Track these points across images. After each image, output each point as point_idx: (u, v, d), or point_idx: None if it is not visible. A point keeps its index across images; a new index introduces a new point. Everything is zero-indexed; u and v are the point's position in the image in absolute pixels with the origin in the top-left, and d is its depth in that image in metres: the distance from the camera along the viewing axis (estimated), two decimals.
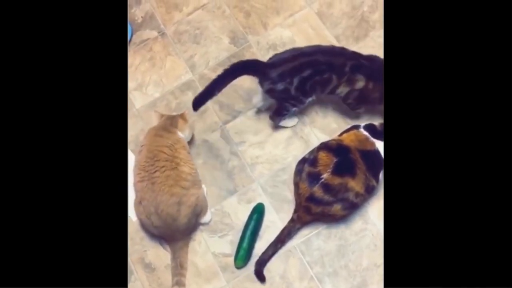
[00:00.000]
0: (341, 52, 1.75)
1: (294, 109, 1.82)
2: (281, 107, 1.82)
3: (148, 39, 2.19)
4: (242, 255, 1.75)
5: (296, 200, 1.74)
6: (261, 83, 1.77)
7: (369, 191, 1.67)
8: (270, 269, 1.74)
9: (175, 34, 2.18)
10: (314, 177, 1.62)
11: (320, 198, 1.62)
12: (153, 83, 2.10)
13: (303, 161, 1.71)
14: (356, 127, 1.72)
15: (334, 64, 1.71)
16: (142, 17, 2.23)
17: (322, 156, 1.64)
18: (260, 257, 1.72)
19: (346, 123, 1.90)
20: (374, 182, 1.66)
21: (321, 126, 1.92)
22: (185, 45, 2.15)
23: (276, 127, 1.93)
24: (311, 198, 1.63)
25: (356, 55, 1.75)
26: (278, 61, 1.72)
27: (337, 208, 1.64)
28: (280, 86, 1.72)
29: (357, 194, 1.63)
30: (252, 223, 1.78)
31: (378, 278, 1.67)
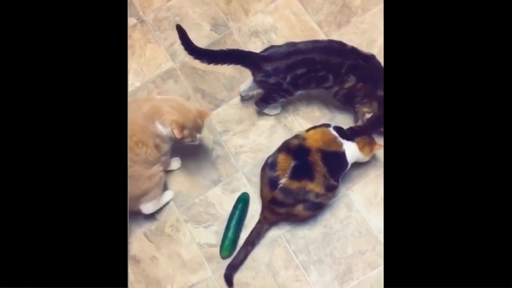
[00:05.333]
0: (340, 50, 1.70)
1: (281, 99, 1.81)
2: (269, 96, 1.81)
3: None
4: (228, 245, 1.75)
5: (261, 201, 1.75)
6: (253, 73, 1.75)
7: (330, 190, 1.66)
8: (255, 258, 1.75)
9: (155, 21, 2.13)
10: (273, 182, 1.62)
11: (281, 201, 1.63)
12: (133, 72, 2.06)
13: (265, 164, 1.71)
14: (326, 125, 1.70)
15: (331, 63, 1.68)
16: None
17: (281, 159, 1.63)
18: (231, 262, 1.72)
19: (330, 111, 1.90)
20: (334, 182, 1.65)
21: (304, 114, 1.91)
22: (165, 33, 2.11)
23: (259, 114, 1.92)
24: (273, 201, 1.64)
25: (354, 53, 1.71)
26: (274, 55, 1.69)
27: (299, 208, 1.65)
28: (272, 80, 1.71)
29: (317, 195, 1.62)
30: (237, 212, 1.78)
31: (363, 265, 1.69)
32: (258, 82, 1.76)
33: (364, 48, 1.76)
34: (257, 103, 1.89)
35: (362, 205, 1.77)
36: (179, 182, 1.88)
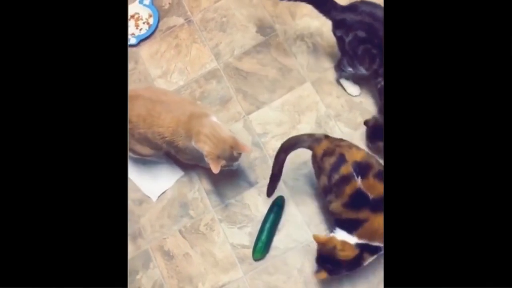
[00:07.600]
0: None
1: (349, 69, 1.78)
2: (341, 58, 1.80)
3: (174, 26, 2.18)
4: (261, 248, 1.74)
5: None
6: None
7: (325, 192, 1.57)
8: (288, 262, 1.74)
9: (202, 22, 2.16)
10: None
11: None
12: (178, 71, 2.10)
13: None
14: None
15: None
16: (169, 3, 2.22)
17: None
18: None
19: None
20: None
21: (346, 120, 1.88)
22: (211, 33, 2.13)
23: (299, 118, 1.90)
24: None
25: None
26: (349, 7, 1.66)
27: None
28: (338, 32, 1.70)
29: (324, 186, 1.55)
30: (272, 215, 1.77)
31: None
32: (332, 32, 1.75)
33: None
34: (335, 67, 1.91)
35: None
36: (216, 182, 1.89)
